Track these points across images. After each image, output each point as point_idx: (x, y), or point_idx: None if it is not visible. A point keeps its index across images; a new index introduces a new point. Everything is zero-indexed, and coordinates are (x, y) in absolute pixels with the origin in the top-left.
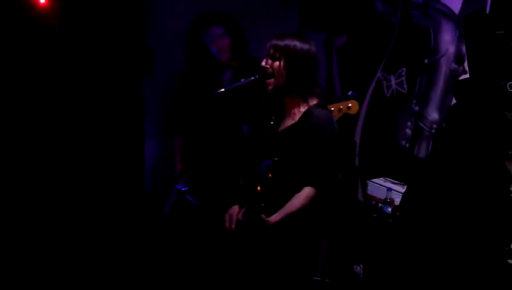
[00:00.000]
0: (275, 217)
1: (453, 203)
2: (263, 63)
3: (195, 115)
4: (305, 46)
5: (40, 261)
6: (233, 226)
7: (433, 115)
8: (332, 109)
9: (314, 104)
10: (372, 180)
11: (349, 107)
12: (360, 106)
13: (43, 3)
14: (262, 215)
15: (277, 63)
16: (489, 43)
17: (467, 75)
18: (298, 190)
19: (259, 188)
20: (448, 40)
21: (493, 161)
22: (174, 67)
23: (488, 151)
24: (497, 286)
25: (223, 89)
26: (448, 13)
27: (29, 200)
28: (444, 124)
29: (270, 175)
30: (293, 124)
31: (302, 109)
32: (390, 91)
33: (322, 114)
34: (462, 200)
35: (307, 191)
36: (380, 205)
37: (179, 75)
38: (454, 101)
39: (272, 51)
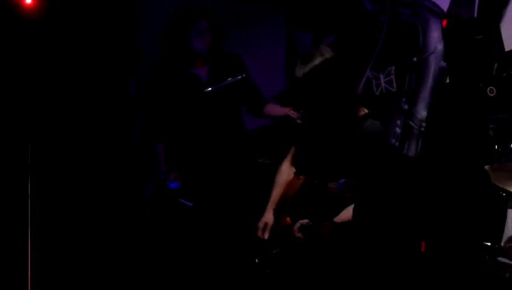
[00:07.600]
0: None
1: (436, 204)
2: None
3: (179, 116)
4: None
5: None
6: (266, 235)
7: (423, 113)
8: None
9: None
10: None
11: None
12: None
13: (29, 3)
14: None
15: None
16: (469, 47)
17: None
18: None
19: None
20: (436, 37)
21: (472, 163)
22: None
23: (466, 154)
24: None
25: (209, 88)
26: (436, 10)
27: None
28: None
29: (350, 195)
30: None
31: None
32: (379, 90)
33: None
34: (444, 201)
35: None
36: None
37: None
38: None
39: None
